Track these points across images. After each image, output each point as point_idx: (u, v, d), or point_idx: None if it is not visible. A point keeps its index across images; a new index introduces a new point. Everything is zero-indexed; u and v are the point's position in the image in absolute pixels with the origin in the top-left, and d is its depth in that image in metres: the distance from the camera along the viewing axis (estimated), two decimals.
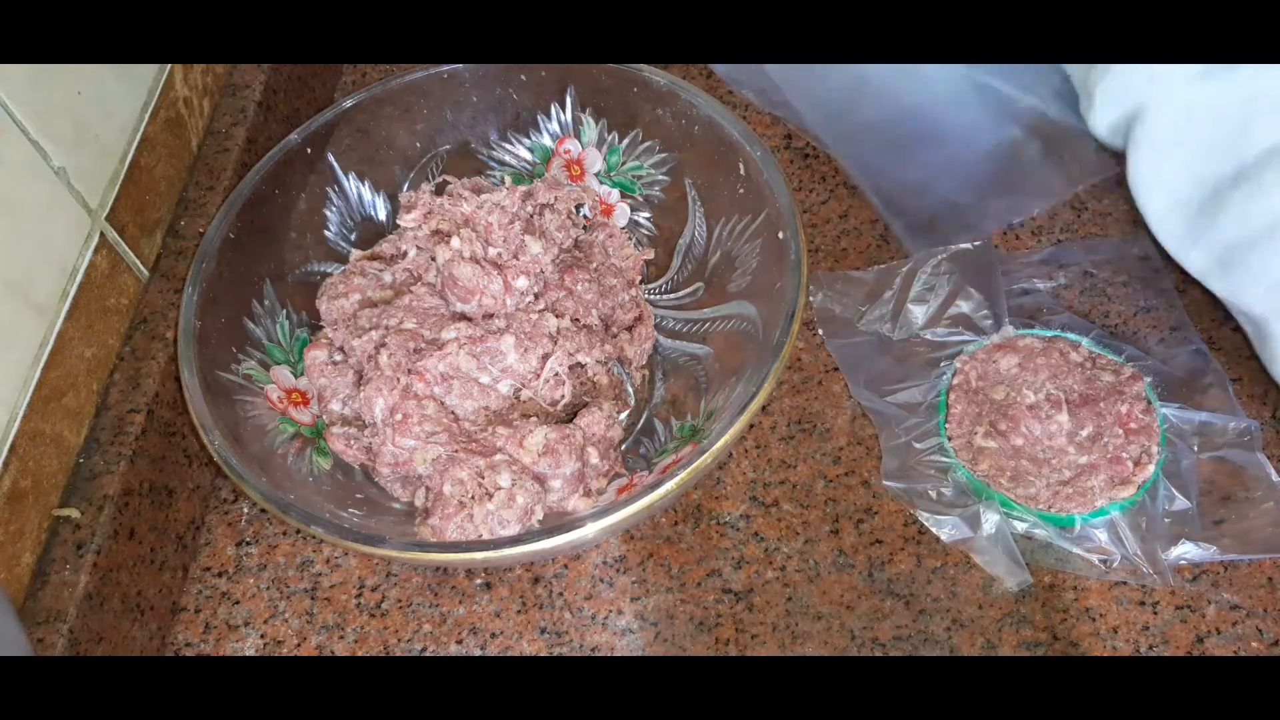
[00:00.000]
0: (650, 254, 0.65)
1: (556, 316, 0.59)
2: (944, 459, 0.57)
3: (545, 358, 0.57)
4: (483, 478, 0.53)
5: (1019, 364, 0.59)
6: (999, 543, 0.54)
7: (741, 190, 0.58)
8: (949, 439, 0.57)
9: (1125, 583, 0.53)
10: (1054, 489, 0.55)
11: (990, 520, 0.54)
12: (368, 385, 0.56)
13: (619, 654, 0.54)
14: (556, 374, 0.57)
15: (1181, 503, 0.54)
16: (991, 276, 0.62)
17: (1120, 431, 0.56)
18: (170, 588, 0.57)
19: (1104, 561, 0.53)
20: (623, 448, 0.58)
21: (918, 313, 0.62)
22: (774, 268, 0.55)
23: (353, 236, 0.64)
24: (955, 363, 0.60)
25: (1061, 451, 0.56)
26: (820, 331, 0.63)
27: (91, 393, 0.55)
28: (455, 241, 0.59)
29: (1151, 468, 0.54)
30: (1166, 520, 0.53)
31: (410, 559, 0.49)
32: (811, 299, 0.63)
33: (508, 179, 0.66)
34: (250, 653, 0.55)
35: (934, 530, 0.55)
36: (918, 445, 0.58)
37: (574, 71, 0.63)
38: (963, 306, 0.62)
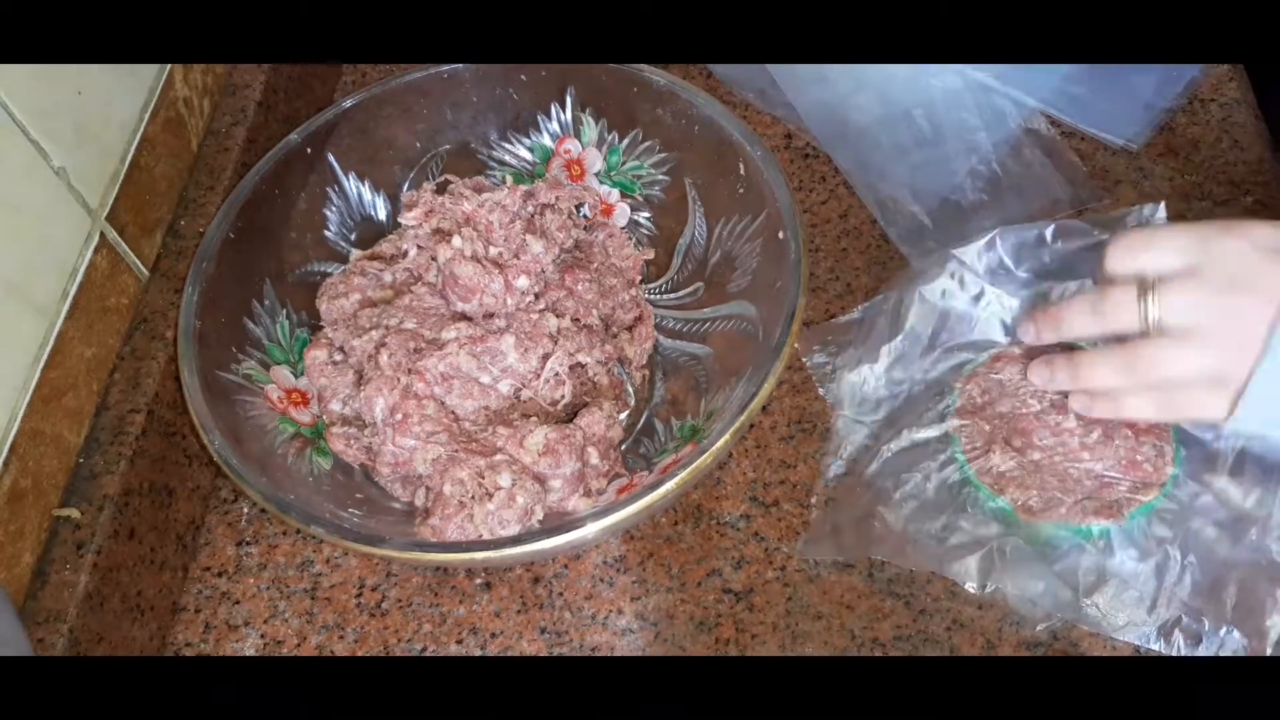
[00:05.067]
0: (650, 254, 0.65)
1: (557, 316, 0.59)
2: (963, 485, 0.55)
3: (545, 358, 0.57)
4: (483, 478, 0.53)
5: (1019, 373, 0.57)
6: (1034, 571, 0.52)
7: (741, 190, 0.58)
8: (967, 461, 0.55)
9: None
10: (1080, 504, 0.53)
11: (1020, 551, 0.53)
12: (368, 385, 0.56)
13: (619, 654, 0.54)
14: (556, 374, 0.57)
15: (1208, 499, 0.52)
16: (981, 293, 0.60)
17: (1129, 433, 0.54)
18: (170, 588, 0.57)
19: (1157, 565, 0.51)
20: (623, 448, 0.58)
21: (913, 345, 0.60)
22: (774, 268, 0.55)
23: (353, 236, 0.64)
24: (956, 384, 0.58)
25: (1076, 457, 0.54)
26: (824, 396, 0.60)
27: (91, 393, 0.55)
28: (456, 240, 0.59)
29: (1169, 468, 0.53)
30: (1204, 515, 0.52)
31: (410, 559, 0.49)
32: (804, 359, 0.61)
33: (508, 179, 0.66)
34: (250, 653, 0.55)
35: (964, 585, 0.53)
36: (937, 476, 0.55)
37: (574, 71, 0.63)
38: (958, 327, 0.60)
